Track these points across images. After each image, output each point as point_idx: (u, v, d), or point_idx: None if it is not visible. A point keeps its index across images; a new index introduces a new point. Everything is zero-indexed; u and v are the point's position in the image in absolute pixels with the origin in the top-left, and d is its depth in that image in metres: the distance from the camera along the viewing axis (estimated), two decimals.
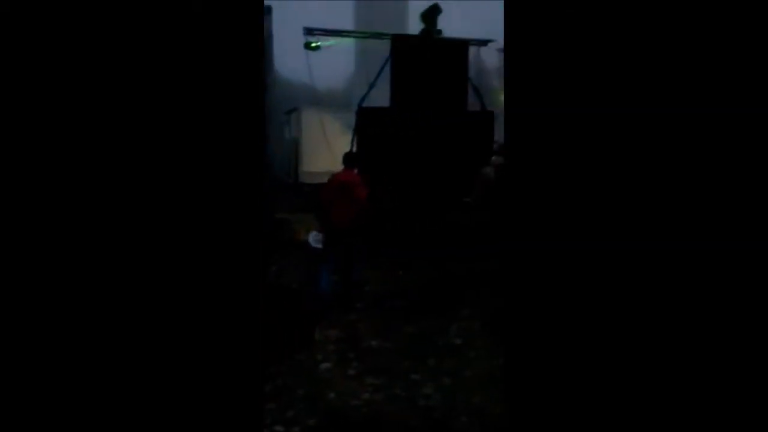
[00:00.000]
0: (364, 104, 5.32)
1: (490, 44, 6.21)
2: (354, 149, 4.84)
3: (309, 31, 6.13)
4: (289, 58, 11.16)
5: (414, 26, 6.31)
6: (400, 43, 5.39)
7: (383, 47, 5.53)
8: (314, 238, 3.63)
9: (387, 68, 5.31)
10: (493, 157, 3.82)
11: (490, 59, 12.13)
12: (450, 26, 5.86)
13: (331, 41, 6.56)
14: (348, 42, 7.57)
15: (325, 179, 3.83)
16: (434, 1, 5.47)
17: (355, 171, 3.96)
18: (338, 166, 3.82)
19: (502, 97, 6.62)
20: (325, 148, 8.24)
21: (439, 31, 5.51)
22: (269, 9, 9.22)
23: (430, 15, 5.42)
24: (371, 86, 5.53)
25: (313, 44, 6.30)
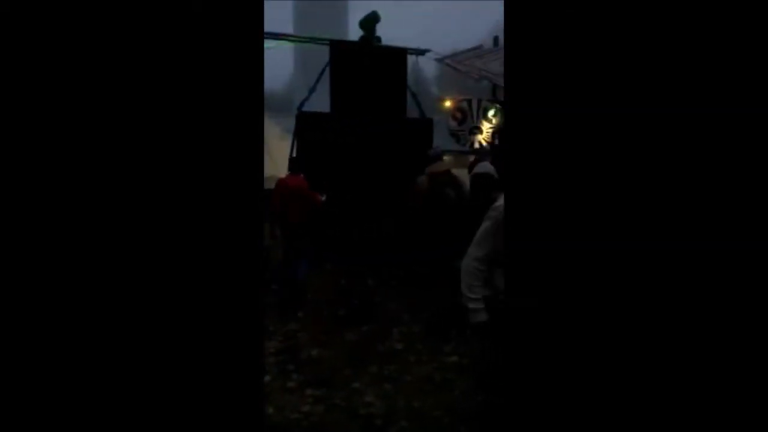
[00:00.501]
0: (304, 109, 5.25)
1: (427, 54, 6.38)
2: (294, 154, 4.75)
3: None
4: None
5: (354, 29, 6.33)
6: (339, 49, 5.39)
7: (324, 49, 5.49)
8: None
9: (327, 72, 5.29)
10: (428, 167, 3.93)
11: (428, 68, 12.47)
12: (389, 35, 5.95)
13: (270, 44, 6.40)
14: (287, 43, 7.43)
15: (267, 184, 3.76)
16: (373, 8, 5.53)
17: (302, 176, 3.91)
18: (277, 171, 3.76)
19: (441, 105, 6.85)
20: (264, 152, 8.00)
21: (378, 39, 5.58)
22: None
23: (369, 22, 5.47)
24: (311, 91, 5.46)
25: None
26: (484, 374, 2.05)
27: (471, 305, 1.82)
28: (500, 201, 1.96)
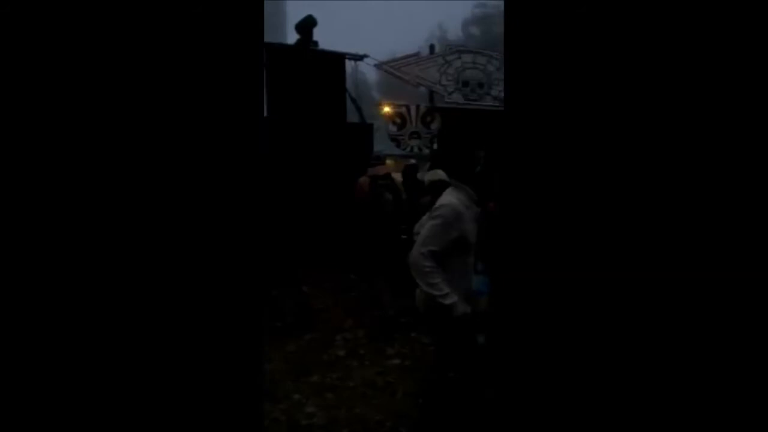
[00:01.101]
0: None
1: (366, 59, 6.43)
2: None
3: None
4: None
5: (292, 34, 6.24)
6: (275, 52, 5.27)
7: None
8: None
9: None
10: (369, 169, 3.94)
11: (370, 72, 12.57)
12: (327, 40, 5.93)
13: None
14: None
15: None
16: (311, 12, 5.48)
17: None
18: None
19: (380, 110, 6.93)
20: None
21: (315, 43, 5.54)
22: None
23: (305, 26, 5.41)
24: None
25: None
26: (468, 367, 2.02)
27: (447, 301, 1.79)
28: (446, 200, 1.97)
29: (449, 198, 1.98)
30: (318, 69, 5.34)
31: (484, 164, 2.53)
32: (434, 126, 6.43)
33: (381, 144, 7.13)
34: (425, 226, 1.95)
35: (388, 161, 8.93)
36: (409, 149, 6.40)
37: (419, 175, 4.21)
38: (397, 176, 4.19)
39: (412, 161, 4.74)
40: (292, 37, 5.90)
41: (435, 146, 6.52)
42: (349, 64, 6.31)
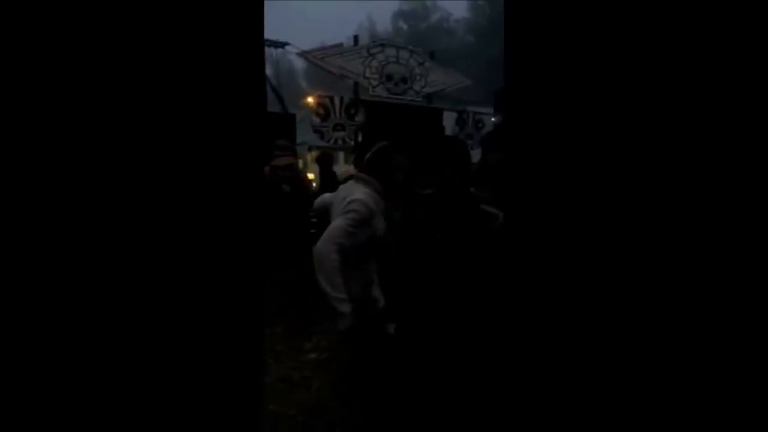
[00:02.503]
0: None
1: (288, 47, 6.25)
2: None
3: None
4: None
5: None
6: None
7: None
8: None
9: None
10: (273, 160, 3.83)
11: (297, 61, 12.23)
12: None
13: None
14: None
15: None
16: None
17: None
18: None
19: (307, 99, 6.77)
20: None
21: None
22: None
23: None
24: None
25: None
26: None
27: (340, 308, 1.72)
28: (357, 194, 1.93)
29: (358, 192, 1.95)
30: None
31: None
32: (358, 118, 6.45)
33: (307, 135, 7.00)
34: (336, 219, 1.91)
35: (312, 152, 8.81)
36: (333, 141, 6.36)
37: (335, 168, 4.17)
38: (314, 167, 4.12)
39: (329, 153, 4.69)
40: None
41: (359, 139, 6.54)
42: (273, 53, 6.09)
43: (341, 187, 2.17)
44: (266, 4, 1.05)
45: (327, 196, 2.36)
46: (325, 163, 4.11)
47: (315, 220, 2.33)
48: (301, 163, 8.39)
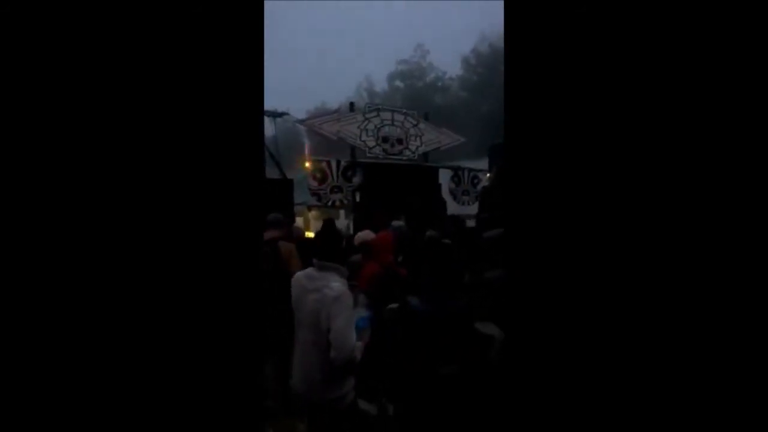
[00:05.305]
0: None
1: (285, 117, 6.54)
2: None
3: None
4: None
5: None
6: None
7: None
8: None
9: None
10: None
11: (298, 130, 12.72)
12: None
13: None
14: None
15: None
16: None
17: None
18: None
19: (305, 164, 6.97)
20: None
21: None
22: None
23: None
24: None
25: None
26: None
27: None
28: (338, 285, 1.99)
29: (337, 282, 2.02)
30: None
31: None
32: (356, 180, 6.60)
33: (306, 195, 7.13)
34: (339, 316, 1.90)
35: (313, 211, 8.89)
36: (330, 203, 6.47)
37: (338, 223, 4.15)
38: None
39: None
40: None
41: (358, 199, 6.66)
42: (272, 119, 6.36)
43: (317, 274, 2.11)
44: (266, 68, 1.06)
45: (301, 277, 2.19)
46: (328, 229, 4.16)
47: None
48: (301, 221, 8.49)
